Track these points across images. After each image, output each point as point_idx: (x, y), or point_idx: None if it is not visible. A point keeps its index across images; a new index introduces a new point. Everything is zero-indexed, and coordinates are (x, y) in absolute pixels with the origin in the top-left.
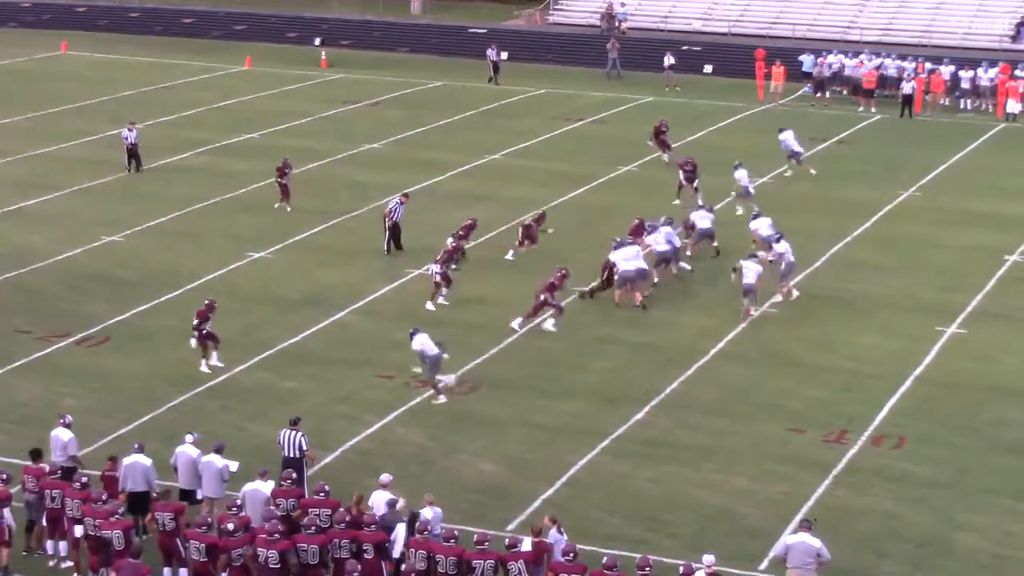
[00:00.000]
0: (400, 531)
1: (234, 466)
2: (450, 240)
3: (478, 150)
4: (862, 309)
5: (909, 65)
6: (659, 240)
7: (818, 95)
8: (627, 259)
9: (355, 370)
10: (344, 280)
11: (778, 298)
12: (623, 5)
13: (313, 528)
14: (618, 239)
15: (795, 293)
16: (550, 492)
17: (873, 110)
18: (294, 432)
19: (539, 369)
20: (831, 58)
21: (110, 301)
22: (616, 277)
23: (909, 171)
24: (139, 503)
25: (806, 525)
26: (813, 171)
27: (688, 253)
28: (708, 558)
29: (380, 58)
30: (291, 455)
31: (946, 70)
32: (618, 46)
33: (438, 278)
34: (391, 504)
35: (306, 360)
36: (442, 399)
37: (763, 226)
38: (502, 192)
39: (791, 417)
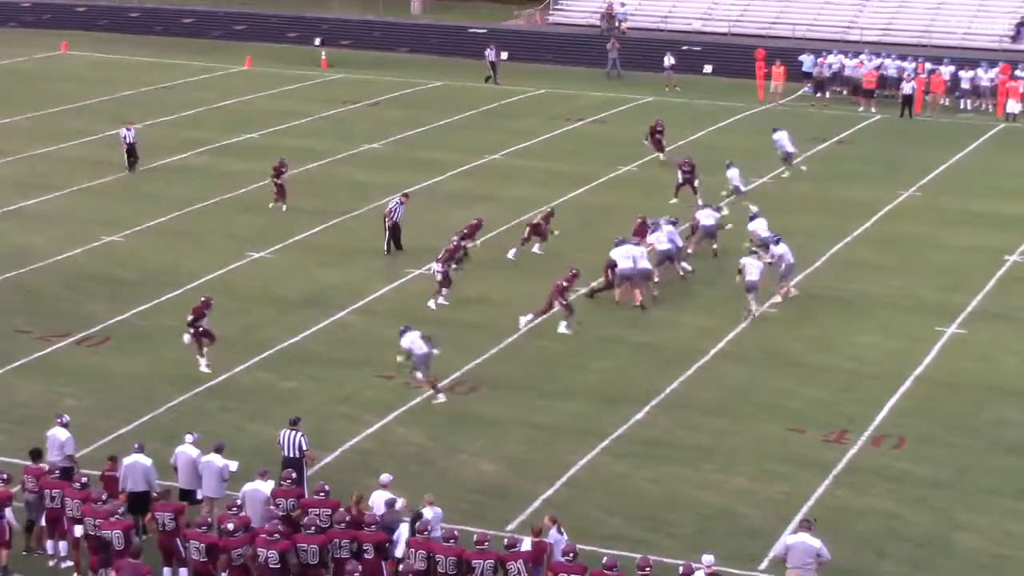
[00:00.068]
0: (403, 531)
1: (234, 466)
2: (456, 239)
3: (478, 150)
4: (862, 309)
5: (909, 65)
6: (661, 239)
7: (818, 95)
8: (626, 257)
9: (355, 370)
10: (344, 280)
11: (778, 299)
12: (623, 5)
13: (313, 528)
14: (620, 238)
15: (794, 291)
16: (550, 492)
17: (873, 110)
18: (294, 432)
19: (539, 369)
20: (831, 58)
21: (110, 301)
22: (616, 275)
23: (909, 171)
24: (139, 503)
25: (806, 525)
26: (804, 167)
27: (689, 251)
28: (708, 558)
29: (380, 58)
30: (291, 455)
31: (946, 70)
32: (618, 46)
33: (440, 276)
34: (390, 504)
35: (306, 360)
36: (442, 398)
37: (761, 227)
38: (502, 192)
39: (791, 417)
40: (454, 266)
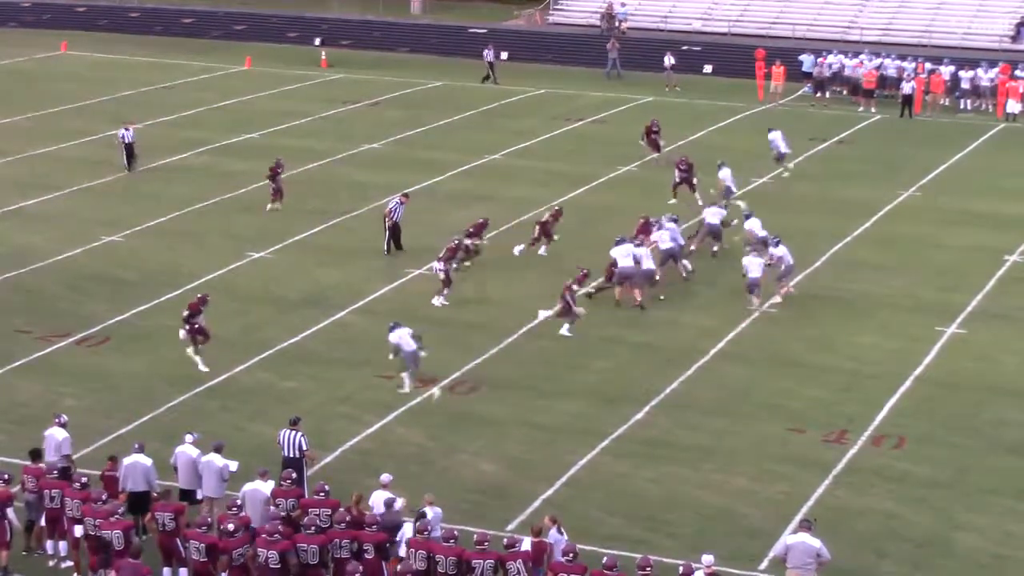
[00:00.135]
0: (407, 530)
1: (234, 466)
2: (465, 239)
3: (478, 150)
4: (862, 309)
5: (909, 65)
6: (664, 237)
7: (818, 95)
8: (626, 256)
9: (355, 370)
10: (344, 280)
11: (778, 299)
12: (623, 5)
13: (313, 528)
14: (620, 237)
15: (792, 290)
16: (550, 492)
17: (873, 110)
18: (294, 432)
19: (539, 369)
20: (831, 58)
21: (110, 301)
22: (616, 275)
23: (909, 171)
24: (139, 503)
25: (806, 525)
26: (790, 166)
27: (692, 248)
28: (707, 558)
29: (380, 58)
30: (291, 455)
31: (946, 70)
32: (618, 46)
33: (442, 275)
34: (388, 504)
35: (306, 360)
36: (407, 389)
37: (756, 226)
38: (502, 192)
39: (791, 417)
40: (455, 266)
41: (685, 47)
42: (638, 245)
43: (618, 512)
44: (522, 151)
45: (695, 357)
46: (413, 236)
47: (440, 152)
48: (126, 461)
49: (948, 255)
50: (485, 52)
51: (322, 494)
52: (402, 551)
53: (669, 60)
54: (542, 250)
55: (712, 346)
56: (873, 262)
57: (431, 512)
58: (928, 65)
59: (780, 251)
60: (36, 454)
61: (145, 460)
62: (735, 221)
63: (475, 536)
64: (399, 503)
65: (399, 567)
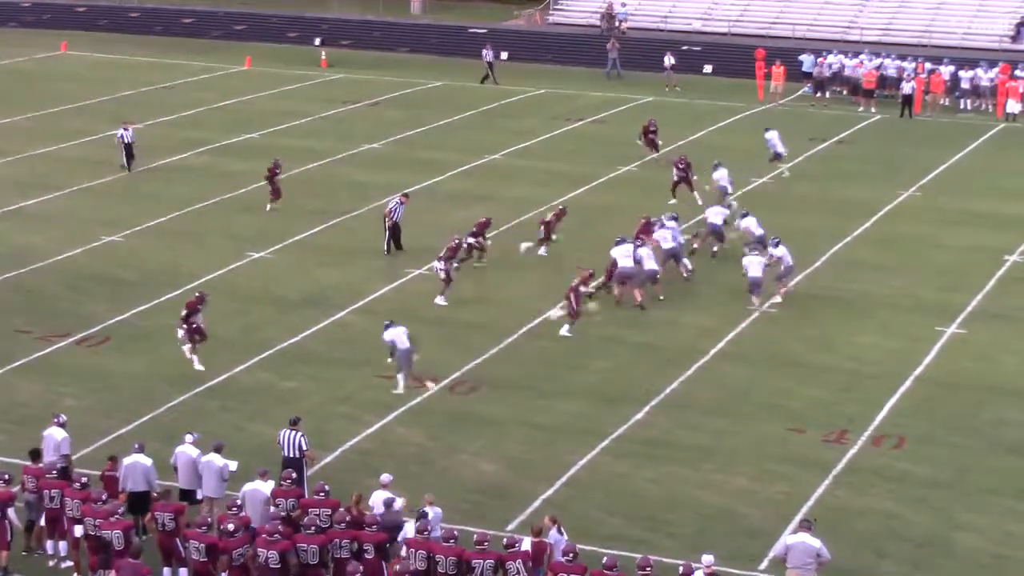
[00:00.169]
0: (410, 530)
1: (233, 465)
2: (469, 238)
3: (478, 150)
4: (862, 309)
5: (909, 65)
6: (666, 237)
7: (818, 95)
8: (626, 256)
9: (355, 370)
10: (344, 280)
11: (778, 299)
12: (623, 5)
13: (313, 528)
14: (621, 237)
15: (791, 289)
16: (550, 492)
17: (873, 110)
18: (294, 432)
19: (539, 369)
20: (831, 58)
21: (110, 301)
22: (616, 275)
23: (909, 171)
24: (139, 503)
25: (806, 525)
26: (785, 170)
27: (696, 245)
28: (707, 558)
29: (380, 58)
30: (291, 455)
31: (946, 70)
32: (618, 46)
33: (443, 274)
34: (388, 504)
35: (306, 360)
36: (400, 389)
37: (752, 224)
38: (502, 192)
39: (791, 417)
40: (455, 264)
41: (685, 47)
42: (640, 245)
43: (618, 512)
44: (522, 151)
45: (695, 357)
46: (413, 236)
47: (440, 152)
48: (126, 461)
49: (948, 255)
50: (484, 52)
51: (322, 494)
52: (403, 552)
53: (669, 60)
54: (542, 250)
55: (712, 346)
56: (873, 262)
57: (431, 512)
58: (928, 65)
59: (780, 251)
60: (36, 454)
61: (145, 460)
62: (736, 221)
63: (475, 536)
64: (399, 503)
65: (397, 567)
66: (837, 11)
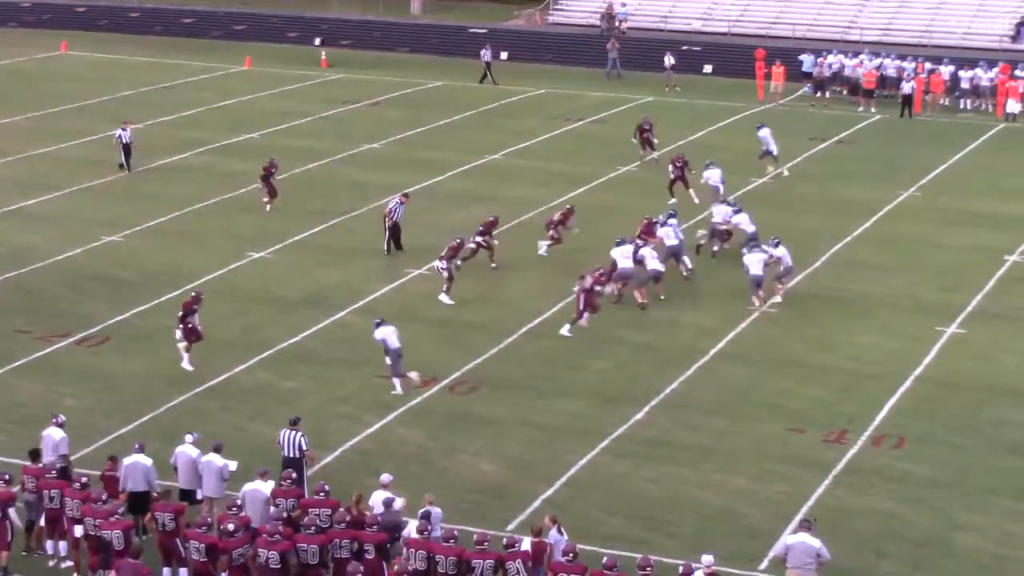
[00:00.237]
0: (412, 530)
1: (233, 465)
2: (477, 238)
3: (478, 150)
4: (862, 309)
5: (909, 65)
6: (669, 234)
7: (818, 95)
8: (626, 257)
9: (355, 370)
10: (344, 280)
11: (778, 299)
12: (623, 5)
13: (313, 528)
14: (621, 238)
15: (790, 287)
16: (550, 492)
17: (873, 110)
18: (294, 432)
19: (539, 369)
20: (831, 58)
21: (110, 301)
22: (615, 275)
23: (909, 171)
24: (139, 503)
25: (806, 525)
26: (780, 173)
27: (701, 243)
28: (707, 558)
29: (380, 58)
30: (291, 455)
31: (946, 70)
32: (618, 46)
33: (445, 273)
34: (387, 503)
35: (306, 360)
36: (399, 391)
37: (745, 220)
38: (502, 192)
39: (791, 417)
40: (458, 263)
41: (685, 47)
42: (643, 245)
43: (618, 512)
44: (522, 151)
45: (695, 357)
46: (413, 236)
47: (440, 152)
48: (126, 461)
49: (948, 255)
50: (482, 52)
51: (322, 494)
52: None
53: (669, 60)
54: (542, 249)
55: (712, 346)
56: (873, 262)
57: (431, 512)
58: (928, 65)
59: (780, 251)
60: (36, 454)
61: (145, 460)
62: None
63: (475, 536)
64: (399, 503)
65: (396, 567)
66: (837, 11)
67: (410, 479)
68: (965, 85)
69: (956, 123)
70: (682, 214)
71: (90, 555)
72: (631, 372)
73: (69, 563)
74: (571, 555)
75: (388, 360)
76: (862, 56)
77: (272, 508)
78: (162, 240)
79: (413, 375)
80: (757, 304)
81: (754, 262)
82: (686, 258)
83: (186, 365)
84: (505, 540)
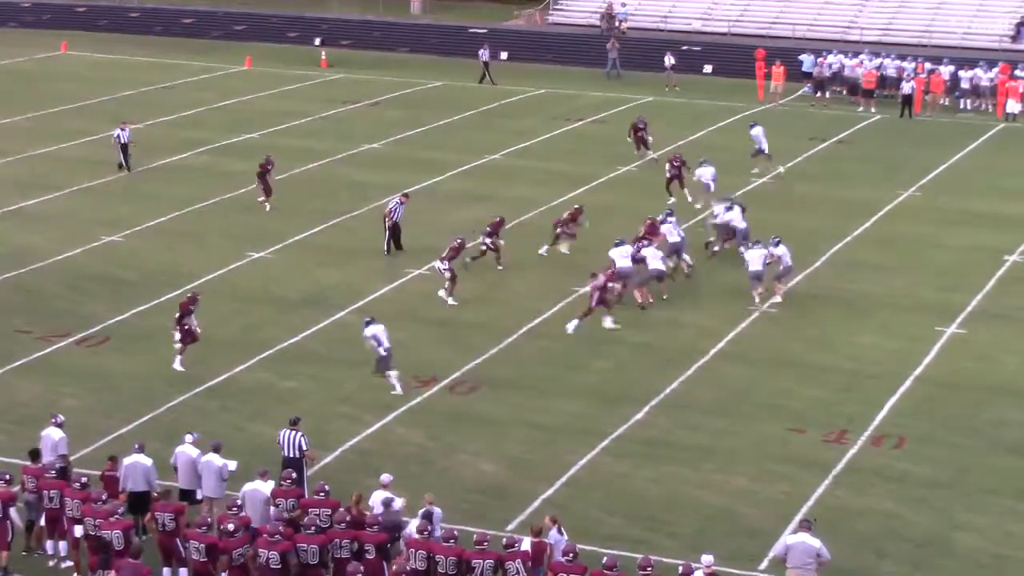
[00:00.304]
0: (413, 530)
1: (233, 465)
2: (484, 238)
3: (478, 150)
4: (862, 309)
5: (909, 65)
6: (671, 231)
7: (818, 95)
8: (624, 257)
9: (355, 370)
10: (344, 280)
11: (778, 299)
12: (623, 5)
13: (313, 528)
14: (620, 239)
15: (791, 290)
16: (550, 492)
17: (873, 110)
18: (294, 432)
19: (539, 369)
20: (831, 58)
21: (110, 301)
22: (614, 275)
23: (909, 171)
24: (139, 503)
25: (806, 525)
26: (778, 172)
27: (716, 249)
28: (707, 558)
29: (380, 58)
30: (291, 455)
31: (946, 70)
32: (618, 46)
33: (448, 274)
34: (386, 503)
35: (306, 360)
36: (399, 391)
37: (737, 216)
38: (502, 192)
39: (791, 417)
40: (468, 260)
41: (685, 47)
42: (647, 245)
43: (618, 512)
44: (522, 151)
45: (695, 357)
46: (413, 236)
47: (440, 152)
48: (126, 461)
49: (948, 255)
50: (480, 52)
51: (322, 494)
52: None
53: (669, 60)
54: (542, 249)
55: (712, 346)
56: (873, 262)
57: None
58: (928, 65)
59: (780, 251)
60: (36, 454)
61: (145, 460)
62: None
63: (475, 536)
64: (398, 503)
65: (395, 567)
66: (837, 11)
67: (410, 479)
68: (965, 85)
69: (956, 123)
70: (678, 213)
71: (90, 555)
72: (631, 372)
73: (69, 563)
74: (571, 555)
75: (376, 357)
76: (862, 56)
77: (272, 508)
78: (162, 240)
79: (391, 374)
80: (757, 299)
81: (754, 258)
82: (687, 256)
83: (178, 366)
84: (505, 540)
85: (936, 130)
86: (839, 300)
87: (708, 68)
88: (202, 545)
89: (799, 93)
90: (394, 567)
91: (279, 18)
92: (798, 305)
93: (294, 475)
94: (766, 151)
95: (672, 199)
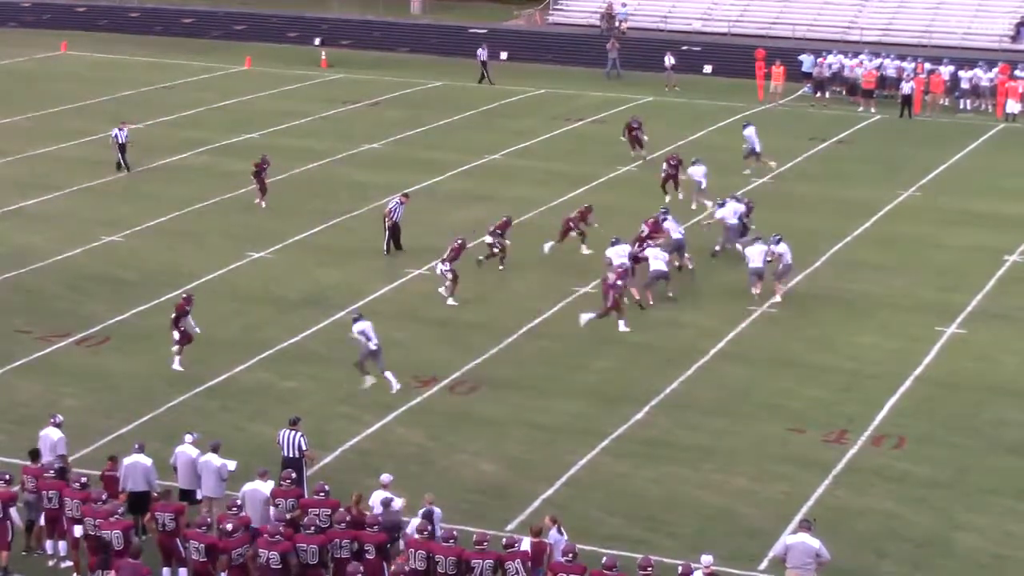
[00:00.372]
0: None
1: (232, 465)
2: (488, 238)
3: (478, 150)
4: (862, 309)
5: (909, 65)
6: (672, 228)
7: (818, 95)
8: (622, 256)
9: (355, 370)
10: (344, 280)
11: (778, 299)
12: (623, 5)
13: (313, 528)
14: (616, 237)
15: (791, 289)
16: (550, 492)
17: (873, 110)
18: (294, 432)
19: (539, 369)
20: (831, 58)
21: (110, 301)
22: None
23: (909, 171)
24: (139, 503)
25: (806, 525)
26: (773, 169)
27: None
28: (706, 558)
29: (380, 58)
30: (291, 455)
31: (945, 70)
32: (618, 46)
33: (450, 275)
34: (386, 503)
35: (306, 360)
36: (395, 388)
37: (728, 213)
38: (502, 192)
39: (791, 417)
40: (480, 258)
41: (685, 47)
42: (653, 245)
43: (618, 512)
44: (522, 151)
45: (695, 357)
46: (413, 236)
47: (440, 152)
48: (126, 461)
49: (948, 255)
50: (479, 52)
51: (322, 494)
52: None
53: (669, 60)
54: (547, 246)
55: (712, 346)
56: (873, 262)
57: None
58: (928, 65)
59: (781, 248)
60: (35, 454)
61: (145, 460)
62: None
63: (475, 536)
64: (398, 503)
65: (393, 567)
66: (837, 11)
67: (410, 479)
68: (965, 85)
69: (956, 123)
70: (673, 213)
71: (90, 555)
72: (631, 372)
73: (69, 563)
74: (571, 555)
75: (364, 352)
76: (862, 56)
77: (272, 508)
78: (162, 240)
79: (369, 380)
80: (756, 294)
81: (755, 254)
82: (687, 254)
83: (177, 366)
84: (505, 540)
85: (936, 130)
86: (839, 300)
87: (708, 68)
88: (202, 545)
89: (799, 93)
90: (394, 567)
91: (279, 18)
92: (798, 305)
93: (294, 475)
94: (759, 151)
95: (669, 197)
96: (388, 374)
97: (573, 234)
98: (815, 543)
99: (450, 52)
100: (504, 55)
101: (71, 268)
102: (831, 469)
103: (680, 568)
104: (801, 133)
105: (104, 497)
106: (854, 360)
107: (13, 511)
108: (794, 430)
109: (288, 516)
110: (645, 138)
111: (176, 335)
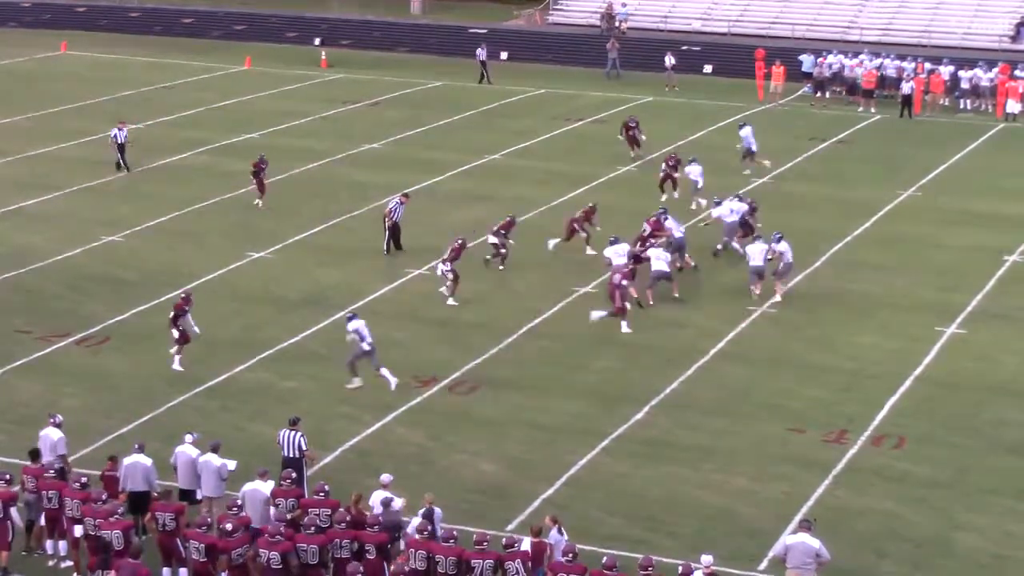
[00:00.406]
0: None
1: (232, 464)
2: (493, 238)
3: (478, 150)
4: (862, 309)
5: (909, 65)
6: (673, 226)
7: (818, 95)
8: (621, 256)
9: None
10: (344, 280)
11: (778, 298)
12: (623, 5)
13: (313, 528)
14: (614, 237)
15: (791, 289)
16: (550, 492)
17: (873, 110)
18: (293, 432)
19: (539, 369)
20: (831, 58)
21: (110, 301)
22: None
23: (909, 171)
24: (139, 503)
25: (806, 525)
26: (768, 163)
27: (720, 247)
28: (706, 558)
29: (380, 58)
30: (291, 455)
31: (945, 70)
32: (618, 46)
33: (451, 275)
34: (385, 503)
35: (306, 360)
36: (392, 385)
37: (725, 211)
38: (502, 192)
39: (791, 417)
40: (488, 257)
41: (685, 47)
42: (654, 245)
43: (618, 512)
44: (522, 151)
45: (695, 357)
46: (413, 236)
47: (440, 152)
48: (126, 461)
49: (948, 255)
50: (478, 51)
51: (322, 494)
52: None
53: (669, 60)
54: (552, 243)
55: (712, 346)
56: (873, 262)
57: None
58: (928, 65)
59: (782, 247)
60: (35, 454)
61: (145, 460)
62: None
63: (475, 536)
64: (398, 503)
65: (393, 567)
66: (837, 11)
67: (410, 479)
68: (965, 85)
69: (956, 123)
70: (671, 212)
71: (90, 555)
72: (631, 372)
73: (69, 563)
74: (571, 555)
75: (357, 351)
76: (862, 56)
77: (272, 508)
78: (162, 240)
79: (357, 382)
80: (756, 294)
81: (756, 253)
82: (687, 254)
83: (176, 366)
84: (505, 540)
85: (936, 130)
86: (839, 300)
87: (708, 68)
88: (202, 545)
89: (799, 93)
90: (394, 567)
91: (279, 18)
92: (798, 305)
93: (294, 475)
94: (755, 150)
95: (666, 196)
96: (384, 371)
97: (582, 234)
98: (815, 543)
99: (450, 52)
100: (504, 55)
101: (71, 268)
102: (831, 469)
103: (680, 568)
104: (801, 133)
105: (104, 497)
106: (854, 360)
107: (13, 511)
108: (794, 430)
109: (288, 516)
110: (643, 137)
111: (175, 334)
